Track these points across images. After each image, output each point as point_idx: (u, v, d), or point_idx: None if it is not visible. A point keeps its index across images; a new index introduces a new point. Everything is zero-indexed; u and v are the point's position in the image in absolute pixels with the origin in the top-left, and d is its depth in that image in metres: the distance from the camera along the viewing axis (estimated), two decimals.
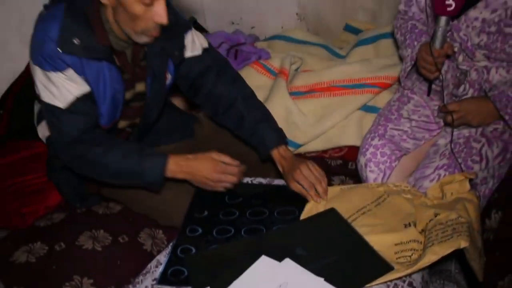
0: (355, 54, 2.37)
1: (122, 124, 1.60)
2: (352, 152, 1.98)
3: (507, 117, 1.54)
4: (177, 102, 2.14)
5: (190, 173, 1.50)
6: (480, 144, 1.57)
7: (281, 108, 2.05)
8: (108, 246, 1.53)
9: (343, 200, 1.44)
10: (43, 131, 1.66)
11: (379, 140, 1.70)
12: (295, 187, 1.50)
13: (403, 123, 1.74)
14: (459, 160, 1.54)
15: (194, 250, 1.33)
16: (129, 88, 1.54)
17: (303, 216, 1.42)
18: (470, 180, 1.41)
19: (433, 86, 1.72)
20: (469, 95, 1.64)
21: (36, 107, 1.67)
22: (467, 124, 1.60)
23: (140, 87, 1.57)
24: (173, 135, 1.85)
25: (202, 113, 2.14)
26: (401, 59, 1.84)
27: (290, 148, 1.71)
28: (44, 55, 1.34)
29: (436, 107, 1.74)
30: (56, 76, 1.36)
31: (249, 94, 1.69)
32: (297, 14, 2.83)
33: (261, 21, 2.87)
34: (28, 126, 1.98)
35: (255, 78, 1.98)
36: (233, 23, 2.91)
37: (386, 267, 1.18)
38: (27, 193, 1.77)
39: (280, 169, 1.59)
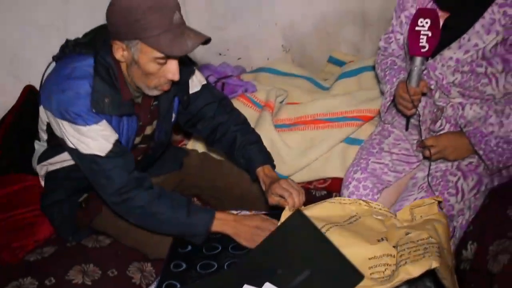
0: (338, 86, 2.43)
1: None
2: (336, 183, 2.02)
3: (481, 152, 1.60)
4: None
5: (235, 228, 1.51)
6: (456, 178, 1.63)
7: (266, 140, 2.06)
8: (98, 280, 1.54)
9: (317, 213, 1.47)
10: (45, 169, 1.68)
11: (361, 174, 1.75)
12: (272, 200, 1.55)
13: (384, 157, 1.80)
14: (436, 193, 1.59)
15: (179, 286, 1.34)
16: (140, 133, 1.61)
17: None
18: (439, 203, 1.45)
19: (412, 121, 1.78)
20: (446, 130, 1.70)
21: (38, 147, 1.68)
22: (444, 158, 1.67)
23: (148, 130, 1.64)
24: (162, 167, 1.89)
25: (191, 145, 2.20)
26: (382, 92, 1.91)
27: None
28: (77, 111, 1.38)
29: (415, 141, 1.80)
30: (91, 129, 1.41)
31: (243, 121, 1.79)
32: (282, 46, 2.90)
33: (247, 52, 2.94)
34: (19, 160, 2.00)
35: (241, 111, 2.02)
36: (220, 54, 2.96)
37: (357, 276, 1.22)
38: (18, 227, 1.76)
39: (263, 187, 1.64)
